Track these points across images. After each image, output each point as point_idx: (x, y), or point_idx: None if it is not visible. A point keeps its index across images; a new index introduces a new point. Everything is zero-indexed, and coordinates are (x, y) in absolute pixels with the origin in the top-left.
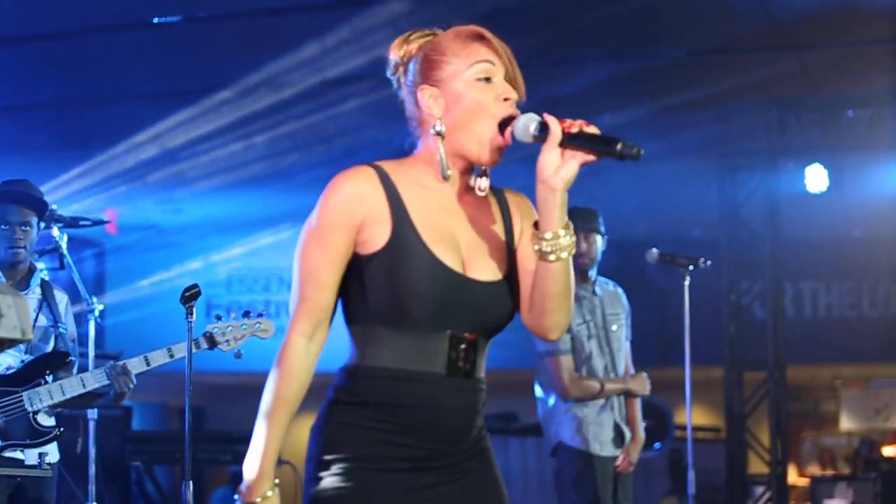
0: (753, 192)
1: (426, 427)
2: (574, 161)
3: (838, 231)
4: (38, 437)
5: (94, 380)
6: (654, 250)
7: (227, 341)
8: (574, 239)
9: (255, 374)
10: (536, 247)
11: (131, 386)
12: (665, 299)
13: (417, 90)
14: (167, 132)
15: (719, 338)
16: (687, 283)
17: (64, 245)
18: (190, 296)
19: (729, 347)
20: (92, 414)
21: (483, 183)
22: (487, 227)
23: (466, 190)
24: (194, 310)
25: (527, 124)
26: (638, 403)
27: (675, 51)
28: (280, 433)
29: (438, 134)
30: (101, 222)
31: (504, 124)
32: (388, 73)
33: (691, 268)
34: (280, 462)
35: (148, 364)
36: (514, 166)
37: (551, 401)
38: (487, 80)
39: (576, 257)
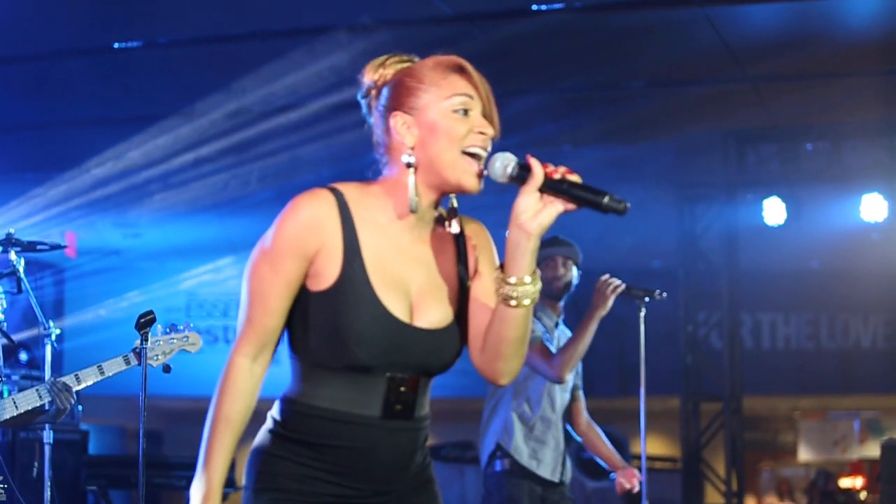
0: (711, 223)
1: (359, 468)
2: (553, 208)
3: (796, 263)
4: None
5: (36, 397)
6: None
7: (156, 356)
8: (539, 286)
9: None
10: (501, 290)
11: (73, 400)
12: (624, 329)
13: (390, 116)
14: (127, 156)
15: (677, 368)
16: (643, 314)
17: (21, 269)
18: (145, 322)
19: (685, 378)
20: (48, 437)
21: (455, 227)
22: (441, 267)
23: (423, 225)
24: (148, 336)
25: (505, 164)
26: (605, 439)
27: (634, 82)
28: (225, 454)
29: (409, 165)
30: (59, 247)
31: (470, 156)
32: (359, 96)
33: (647, 299)
34: (235, 488)
35: (78, 381)
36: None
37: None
38: (465, 112)
39: (551, 281)
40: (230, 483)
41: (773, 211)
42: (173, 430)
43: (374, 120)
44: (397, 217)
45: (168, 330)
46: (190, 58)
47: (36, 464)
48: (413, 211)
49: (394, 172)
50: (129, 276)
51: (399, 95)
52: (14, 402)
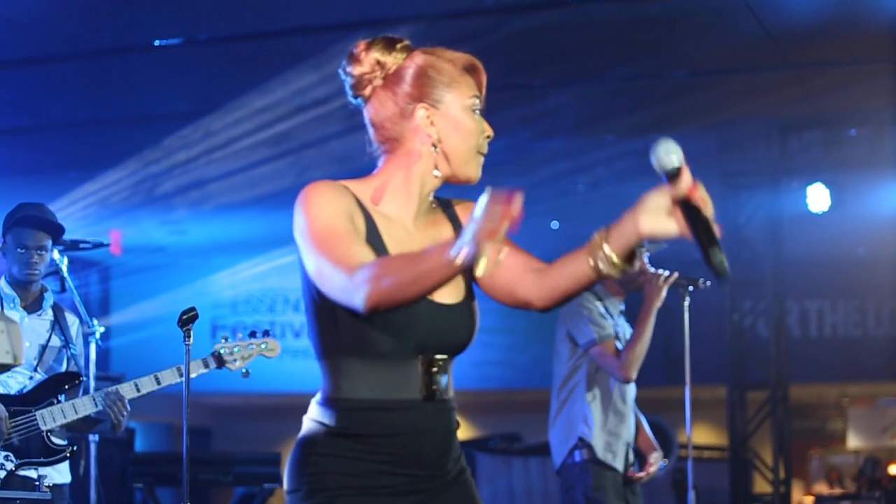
0: (755, 211)
1: (410, 455)
2: (673, 226)
3: (842, 250)
4: (51, 455)
5: (100, 403)
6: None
7: (235, 360)
8: (622, 271)
9: (263, 394)
10: (593, 252)
11: (125, 413)
12: (670, 319)
13: (415, 105)
14: (170, 153)
15: (723, 357)
16: (686, 303)
17: (65, 268)
18: (187, 319)
19: (732, 367)
20: (94, 435)
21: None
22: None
23: (423, 211)
24: (191, 332)
25: (669, 153)
26: (644, 422)
27: (677, 71)
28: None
29: (434, 152)
30: (102, 245)
31: None
32: (353, 69)
33: (691, 288)
34: (280, 484)
35: (138, 390)
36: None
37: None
38: (475, 111)
39: (638, 274)
40: (275, 478)
41: (817, 198)
42: (221, 425)
43: (380, 101)
44: (403, 205)
45: (248, 335)
46: (230, 53)
47: (83, 461)
48: (473, 181)
49: (405, 163)
50: (175, 273)
51: (423, 86)
52: (74, 407)
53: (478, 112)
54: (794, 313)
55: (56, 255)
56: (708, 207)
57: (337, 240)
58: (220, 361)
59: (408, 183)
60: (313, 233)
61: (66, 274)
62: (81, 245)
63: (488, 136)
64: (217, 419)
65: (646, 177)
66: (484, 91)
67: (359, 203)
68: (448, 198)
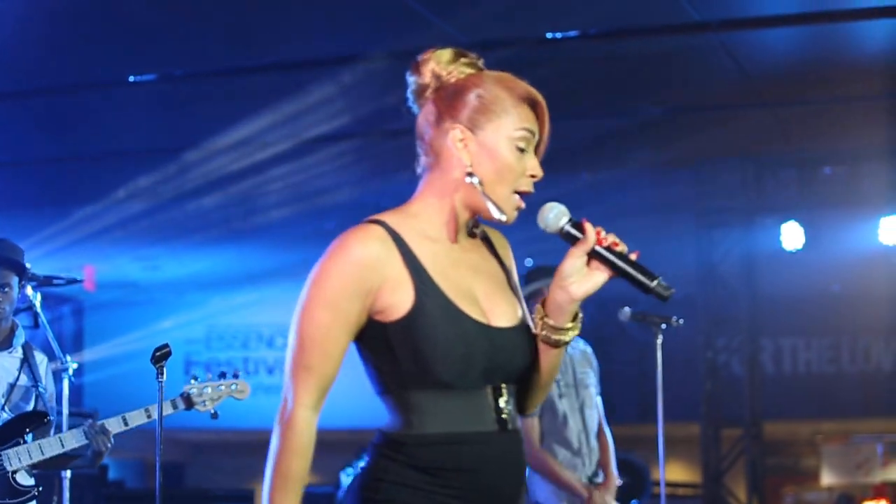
0: (730, 249)
1: (485, 490)
2: (601, 276)
3: (816, 287)
4: (17, 496)
5: (73, 440)
6: (627, 309)
7: (204, 402)
8: (580, 327)
9: (237, 431)
10: (543, 332)
11: (109, 445)
12: (644, 355)
13: (451, 124)
14: (145, 189)
15: (697, 394)
16: (659, 341)
17: (38, 304)
18: (160, 356)
19: (706, 404)
20: (66, 472)
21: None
22: (493, 274)
23: (464, 236)
24: (164, 369)
25: (559, 216)
26: (612, 449)
27: (653, 109)
28: None
29: (478, 183)
30: (75, 281)
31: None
32: (416, 79)
33: (664, 326)
34: None
35: (126, 424)
36: None
37: None
38: (522, 149)
39: None
40: None
41: (792, 235)
42: (196, 461)
43: (426, 113)
44: (444, 231)
45: (218, 376)
46: (206, 90)
47: (55, 497)
48: (506, 221)
49: (439, 186)
50: (149, 309)
51: (465, 106)
52: (61, 441)
53: (526, 149)
54: (768, 350)
55: (29, 290)
56: (620, 245)
57: (318, 345)
58: (188, 403)
59: (443, 210)
60: (306, 314)
61: (39, 310)
62: (55, 281)
63: (533, 176)
64: (192, 455)
65: (621, 216)
66: (544, 128)
67: (395, 240)
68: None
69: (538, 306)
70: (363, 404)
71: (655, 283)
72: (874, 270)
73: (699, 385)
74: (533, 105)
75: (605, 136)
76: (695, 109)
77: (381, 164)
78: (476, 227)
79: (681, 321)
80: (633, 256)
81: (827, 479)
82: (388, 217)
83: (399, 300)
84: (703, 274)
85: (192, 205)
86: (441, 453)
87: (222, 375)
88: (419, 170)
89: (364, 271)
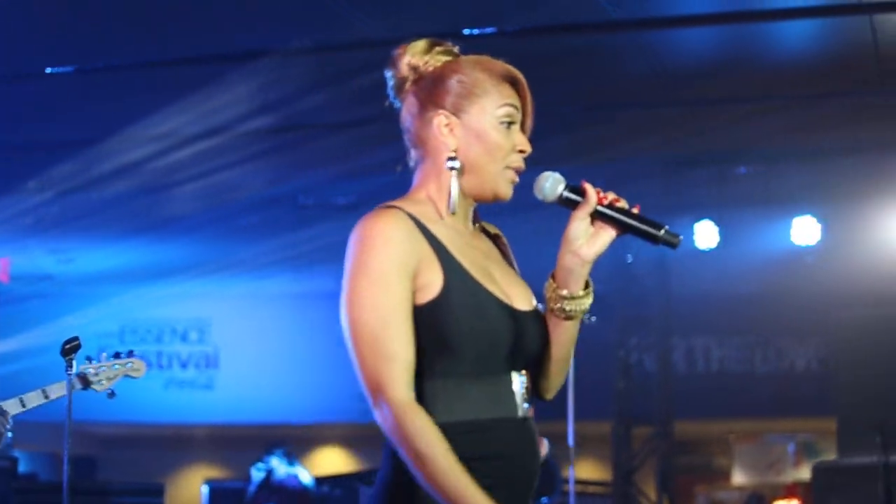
0: (643, 248)
1: (512, 477)
2: (608, 234)
3: (729, 287)
4: None
5: None
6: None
7: (101, 381)
8: (591, 299)
9: (149, 425)
10: (557, 304)
11: (8, 427)
12: None
13: (434, 112)
14: (60, 181)
15: (609, 392)
16: None
17: None
18: (70, 348)
19: (617, 402)
20: None
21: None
22: (500, 260)
23: (470, 225)
24: (74, 362)
25: (556, 183)
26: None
27: (567, 107)
28: (474, 486)
29: (453, 169)
30: None
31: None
32: (394, 74)
33: None
34: None
35: (23, 405)
36: None
37: None
38: (508, 125)
39: None
40: None
41: (705, 235)
42: (108, 455)
43: (408, 106)
44: (453, 216)
45: (112, 356)
46: (122, 82)
47: None
48: (453, 213)
49: (429, 174)
50: (63, 302)
51: (446, 92)
52: None
53: (512, 125)
54: (681, 349)
55: None
56: (620, 201)
57: (390, 328)
58: (85, 382)
59: (444, 197)
60: (365, 303)
61: None
62: None
63: (521, 151)
64: (104, 449)
65: (535, 211)
66: (527, 103)
67: (416, 223)
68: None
69: (549, 280)
70: (273, 400)
71: (663, 231)
72: (787, 270)
73: (611, 383)
74: (513, 82)
75: None
76: (610, 107)
77: (298, 158)
78: (476, 218)
79: (593, 319)
80: (634, 210)
81: (739, 478)
82: (402, 203)
83: (430, 281)
84: (617, 272)
85: (107, 198)
86: (472, 441)
87: (117, 355)
88: (411, 163)
89: (406, 249)
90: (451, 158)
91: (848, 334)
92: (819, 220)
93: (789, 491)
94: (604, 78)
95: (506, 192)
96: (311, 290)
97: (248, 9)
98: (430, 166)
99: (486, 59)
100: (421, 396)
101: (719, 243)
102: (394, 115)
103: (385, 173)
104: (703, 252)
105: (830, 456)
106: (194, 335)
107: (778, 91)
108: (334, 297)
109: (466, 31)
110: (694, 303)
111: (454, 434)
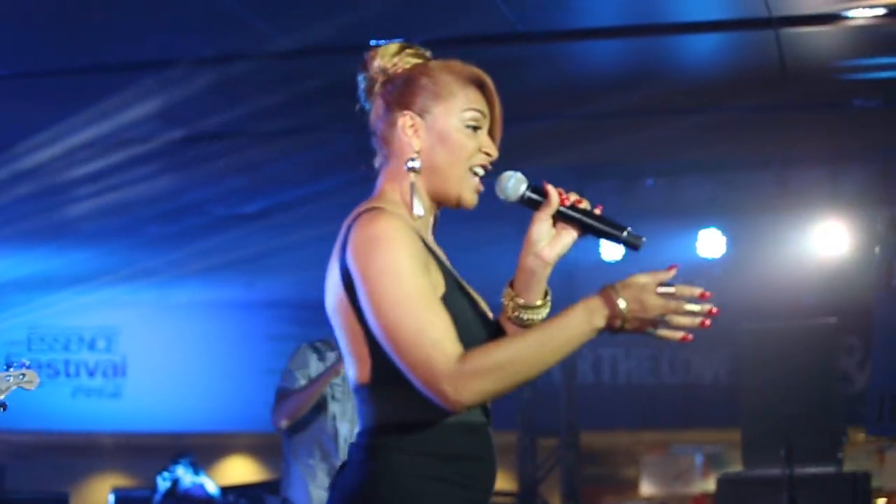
0: None
1: (486, 479)
2: (569, 236)
3: None
4: None
5: None
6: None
7: None
8: (549, 308)
9: (56, 433)
10: (515, 313)
11: None
12: None
13: (399, 113)
14: None
15: (513, 402)
16: None
17: None
18: None
19: (522, 412)
20: None
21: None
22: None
23: (430, 234)
24: None
25: (518, 184)
26: None
27: None
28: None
29: (412, 170)
30: None
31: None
32: (365, 76)
33: None
34: None
35: None
36: None
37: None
38: (475, 129)
39: None
40: None
41: (610, 247)
42: (16, 464)
43: (376, 108)
44: (419, 220)
45: (6, 367)
46: (29, 90)
47: None
48: (419, 215)
49: (398, 175)
50: None
51: (412, 94)
52: None
53: (479, 128)
54: (588, 360)
55: None
56: (583, 202)
57: (427, 314)
58: None
59: (406, 201)
60: (392, 288)
61: None
62: None
63: (487, 155)
64: (13, 458)
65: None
66: (495, 108)
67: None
68: None
69: (506, 288)
70: (181, 409)
71: (625, 233)
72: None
73: (517, 393)
74: (481, 86)
75: None
76: (517, 119)
77: (205, 167)
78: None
79: None
80: (597, 211)
81: (646, 489)
82: (385, 206)
83: (437, 281)
84: None
85: (11, 206)
86: (458, 440)
87: (9, 366)
88: (377, 164)
89: (418, 246)
90: (411, 159)
91: (754, 347)
92: (724, 233)
93: (697, 502)
94: (510, 90)
95: (470, 198)
96: (220, 299)
97: (156, 18)
98: (395, 167)
99: (454, 62)
100: (405, 399)
101: (625, 255)
102: (316, 125)
103: (295, 184)
104: (609, 264)
105: (738, 468)
106: (102, 343)
107: (684, 104)
108: (243, 306)
109: (373, 42)
110: None
111: (447, 430)
